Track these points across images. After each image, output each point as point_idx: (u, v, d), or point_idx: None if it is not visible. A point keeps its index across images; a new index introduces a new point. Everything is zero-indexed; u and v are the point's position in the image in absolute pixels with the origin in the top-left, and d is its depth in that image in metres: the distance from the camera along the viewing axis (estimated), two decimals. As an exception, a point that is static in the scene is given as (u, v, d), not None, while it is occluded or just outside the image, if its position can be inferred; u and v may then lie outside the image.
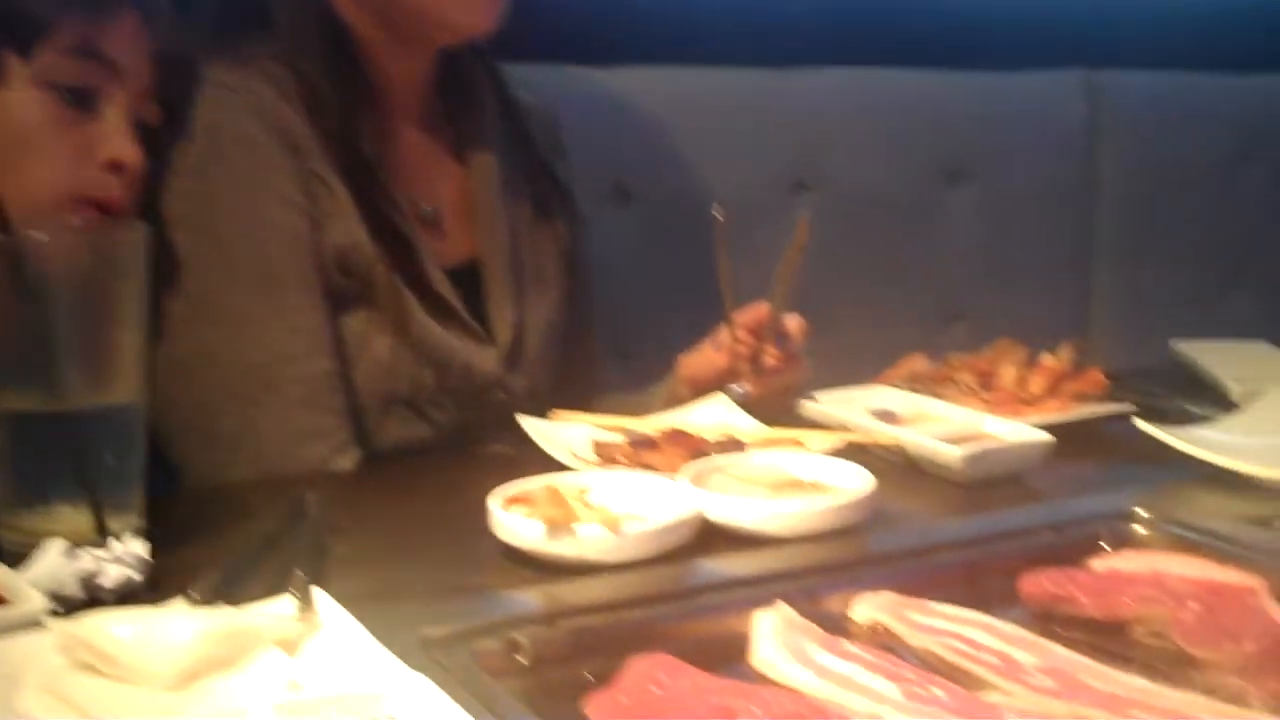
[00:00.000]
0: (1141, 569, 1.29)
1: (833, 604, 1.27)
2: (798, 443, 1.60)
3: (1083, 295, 2.92)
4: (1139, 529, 1.43)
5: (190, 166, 1.62)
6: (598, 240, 2.11)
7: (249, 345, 1.62)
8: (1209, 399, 1.91)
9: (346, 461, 1.66)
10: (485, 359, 1.77)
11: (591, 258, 2.04)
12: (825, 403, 1.77)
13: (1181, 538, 1.39)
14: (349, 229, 1.66)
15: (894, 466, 1.62)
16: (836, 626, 1.22)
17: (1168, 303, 2.90)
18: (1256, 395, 1.79)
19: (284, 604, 1.10)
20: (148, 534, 1.28)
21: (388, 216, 1.69)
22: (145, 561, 1.21)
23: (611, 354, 2.18)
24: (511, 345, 1.81)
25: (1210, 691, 1.10)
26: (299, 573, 1.14)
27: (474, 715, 0.90)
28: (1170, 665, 1.17)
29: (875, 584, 1.29)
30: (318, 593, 1.13)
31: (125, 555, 1.20)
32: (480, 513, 1.34)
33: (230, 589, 1.15)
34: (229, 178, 1.62)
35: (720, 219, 1.71)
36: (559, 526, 1.26)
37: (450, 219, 1.82)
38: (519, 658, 1.13)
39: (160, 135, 1.59)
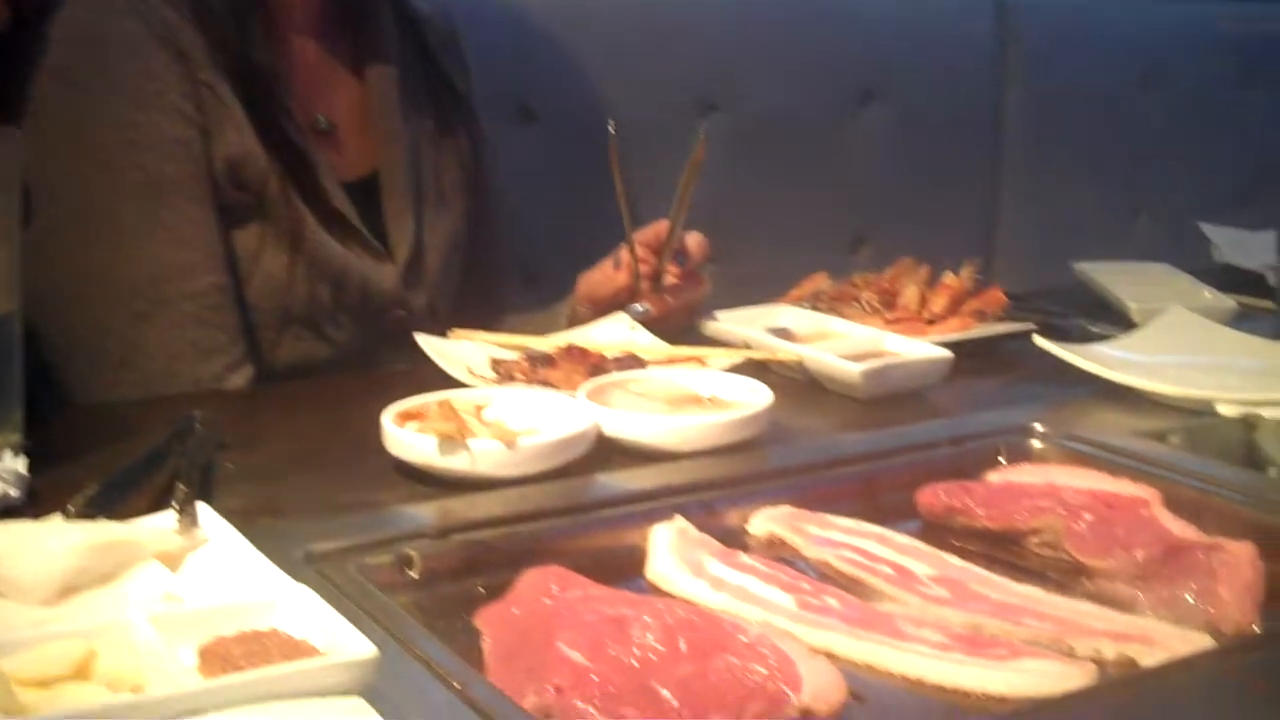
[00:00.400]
0: (1037, 481, 1.29)
1: (730, 518, 1.27)
2: (698, 360, 1.59)
3: (989, 219, 2.93)
4: (1036, 443, 1.43)
5: (65, 72, 1.56)
6: (502, 160, 2.08)
7: (136, 260, 1.57)
8: (1109, 319, 1.92)
9: (240, 379, 1.63)
10: (384, 276, 1.74)
11: (495, 176, 2.01)
12: (727, 321, 1.76)
13: (1078, 451, 1.40)
14: (240, 140, 1.61)
15: (795, 383, 1.62)
16: (734, 540, 1.22)
17: (1073, 226, 2.91)
18: (1155, 314, 1.80)
19: (165, 519, 1.07)
20: (28, 451, 1.24)
21: (281, 127, 1.64)
22: (23, 478, 1.18)
23: (516, 274, 2.15)
24: (410, 262, 1.77)
25: (1101, 599, 1.11)
26: (182, 487, 1.11)
27: (360, 627, 0.88)
28: (1063, 574, 1.17)
29: (773, 498, 1.28)
30: (202, 508, 1.10)
31: (3, 472, 1.17)
32: (375, 431, 1.31)
33: (111, 504, 1.11)
34: (109, 85, 1.57)
35: (613, 134, 1.68)
36: (452, 441, 1.24)
37: (347, 132, 1.78)
38: (410, 572, 1.12)
39: (25, 39, 1.53)
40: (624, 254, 1.76)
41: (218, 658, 0.85)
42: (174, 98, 1.57)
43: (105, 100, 1.56)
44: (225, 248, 1.62)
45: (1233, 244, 2.36)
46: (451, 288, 1.85)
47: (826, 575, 1.17)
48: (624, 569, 1.15)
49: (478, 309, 1.87)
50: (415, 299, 1.78)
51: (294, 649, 0.86)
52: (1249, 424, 1.49)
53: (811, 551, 1.20)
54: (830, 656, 0.97)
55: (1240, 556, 1.10)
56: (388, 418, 1.30)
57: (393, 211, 1.77)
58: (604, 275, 1.80)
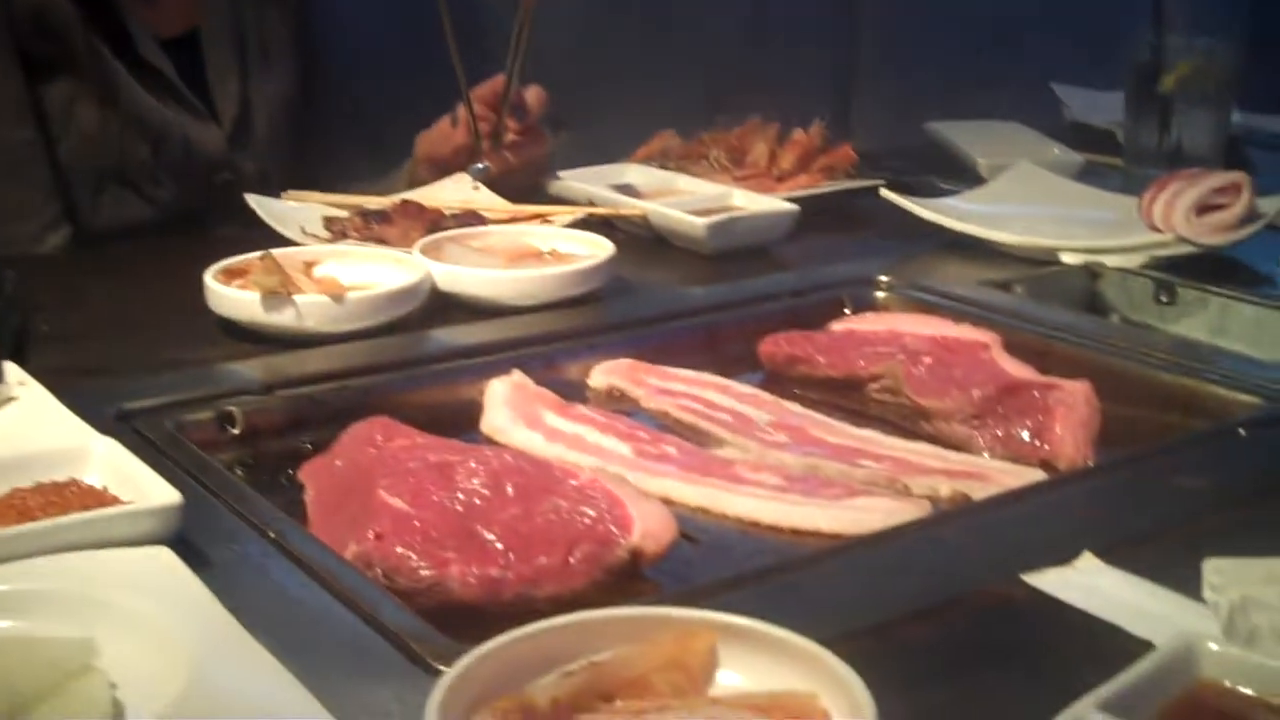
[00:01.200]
0: (879, 329, 1.28)
1: (570, 372, 1.24)
2: (541, 217, 1.55)
3: (844, 83, 2.90)
4: (880, 294, 1.42)
5: None
6: (337, 18, 1.99)
7: None
8: (959, 176, 1.91)
9: (57, 239, 1.56)
10: (208, 137, 1.66)
11: (330, 34, 1.92)
12: (571, 179, 1.72)
13: (921, 301, 1.39)
14: None
15: (640, 240, 1.59)
16: (573, 394, 1.19)
17: (929, 89, 2.89)
18: (1003, 169, 1.79)
19: (-33, 377, 1.02)
20: None
21: None
22: None
23: (353, 139, 2.07)
24: (238, 123, 1.70)
25: (939, 440, 1.10)
26: (-16, 344, 1.05)
27: (174, 483, 0.84)
28: (903, 418, 1.16)
29: (614, 351, 1.26)
30: (9, 367, 1.05)
31: None
32: (200, 292, 1.26)
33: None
34: None
35: None
36: (276, 295, 1.19)
37: None
38: (231, 429, 1.07)
39: None
40: (461, 111, 1.71)
41: (12, 509, 0.80)
42: None
43: None
44: (33, 102, 1.53)
45: (1084, 103, 2.36)
46: (284, 153, 1.78)
47: (666, 425, 1.14)
48: (460, 424, 1.12)
49: (311, 173, 1.80)
50: (244, 163, 1.70)
51: (95, 499, 0.82)
52: (1092, 273, 1.50)
53: (651, 402, 1.18)
54: (666, 502, 0.95)
55: (1076, 394, 1.09)
56: (210, 275, 1.25)
57: (215, 70, 1.69)
58: (441, 134, 1.74)
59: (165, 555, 0.77)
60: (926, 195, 1.72)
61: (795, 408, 1.15)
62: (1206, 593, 0.75)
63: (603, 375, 1.22)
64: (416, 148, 1.78)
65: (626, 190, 1.69)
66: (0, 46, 1.51)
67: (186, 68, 1.65)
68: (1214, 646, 0.64)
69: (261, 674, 0.66)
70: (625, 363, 1.23)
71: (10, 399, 1.01)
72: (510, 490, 0.89)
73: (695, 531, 0.94)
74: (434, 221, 1.46)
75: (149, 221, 1.63)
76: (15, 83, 1.52)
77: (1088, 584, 0.81)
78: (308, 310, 1.20)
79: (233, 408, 1.08)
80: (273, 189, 1.62)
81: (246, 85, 1.71)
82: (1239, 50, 1.88)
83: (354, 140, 1.97)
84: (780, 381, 1.25)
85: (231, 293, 1.22)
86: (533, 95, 1.70)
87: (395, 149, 1.88)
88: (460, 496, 0.88)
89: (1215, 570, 0.75)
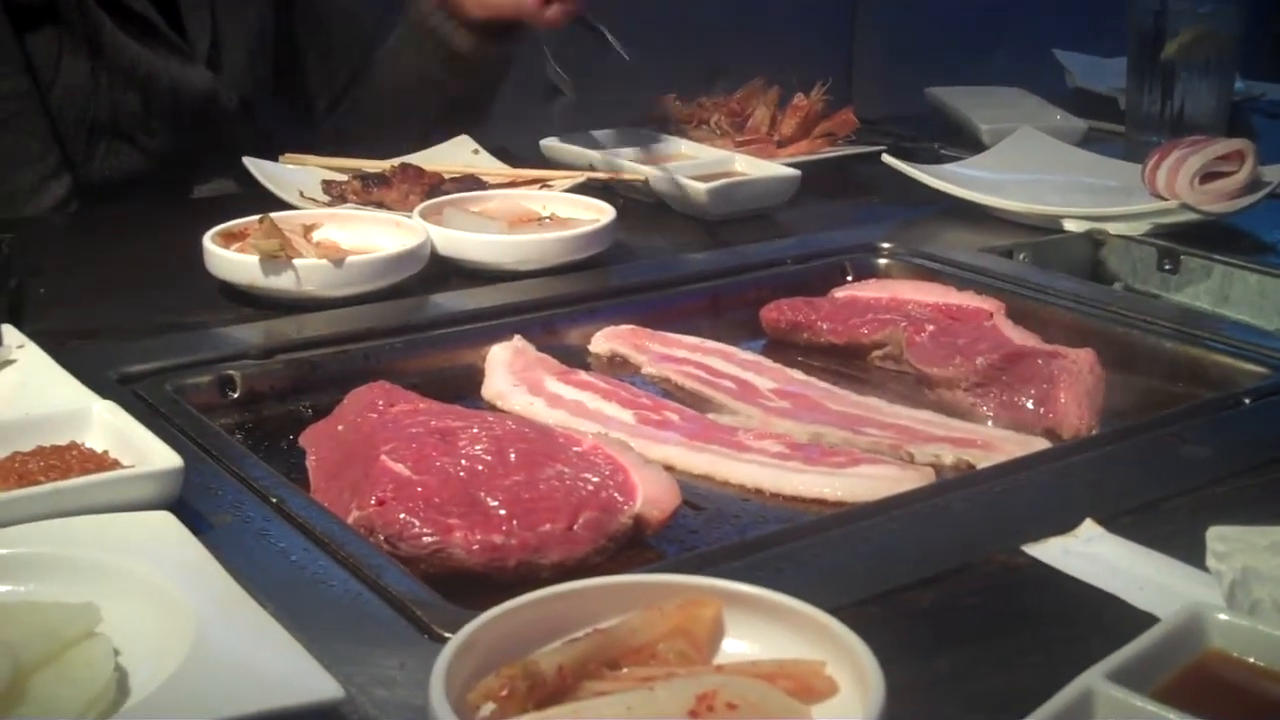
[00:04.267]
0: (881, 295, 1.27)
1: (571, 337, 1.23)
2: (541, 181, 1.54)
3: (846, 48, 2.89)
4: (882, 261, 1.42)
5: None
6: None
7: None
8: (961, 142, 1.90)
9: (59, 188, 1.56)
10: (193, 76, 1.64)
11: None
12: (572, 142, 1.70)
13: (924, 268, 1.38)
14: None
15: (641, 205, 1.58)
16: (575, 359, 1.18)
17: (931, 56, 2.88)
18: (1005, 135, 1.78)
19: (-35, 340, 1.01)
20: None
21: None
22: None
23: (340, 73, 2.02)
24: (211, 53, 1.67)
25: (943, 408, 1.10)
26: (-18, 306, 1.04)
27: (175, 447, 0.83)
28: (906, 386, 1.16)
29: (616, 317, 1.25)
30: (8, 330, 1.04)
31: None
32: (199, 255, 1.25)
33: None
34: None
35: None
36: (276, 259, 1.18)
37: None
38: (231, 393, 1.07)
39: None
40: None
41: (12, 472, 0.80)
42: None
43: None
44: (21, 53, 1.52)
45: (1086, 70, 2.35)
46: (263, 81, 1.75)
47: (668, 392, 1.14)
48: (461, 389, 1.12)
49: (297, 109, 1.78)
50: (224, 95, 1.68)
51: (96, 463, 0.81)
52: (1095, 240, 1.49)
53: (653, 369, 1.17)
54: (669, 469, 0.94)
55: (1080, 363, 1.09)
56: (209, 238, 1.24)
57: (188, 5, 1.66)
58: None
59: (168, 519, 0.77)
60: (928, 161, 1.71)
61: (798, 374, 1.15)
62: (1210, 561, 0.75)
63: (604, 341, 1.22)
64: None
65: (628, 155, 1.68)
66: None
67: (164, 12, 1.63)
68: (1222, 617, 0.64)
69: (265, 640, 0.66)
70: (627, 329, 1.22)
71: (9, 361, 1.00)
72: (513, 456, 0.89)
73: (698, 499, 0.94)
74: (433, 185, 1.45)
75: (144, 171, 1.62)
76: (3, 33, 1.50)
77: (1090, 553, 0.80)
78: (307, 274, 1.19)
79: (233, 371, 1.07)
80: (255, 125, 1.60)
81: (215, 17, 1.68)
82: (1242, 17, 1.87)
83: (339, 75, 1.92)
84: (782, 348, 1.24)
85: (231, 256, 1.21)
86: None
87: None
88: (463, 462, 0.88)
89: (1219, 538, 0.75)
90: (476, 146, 1.66)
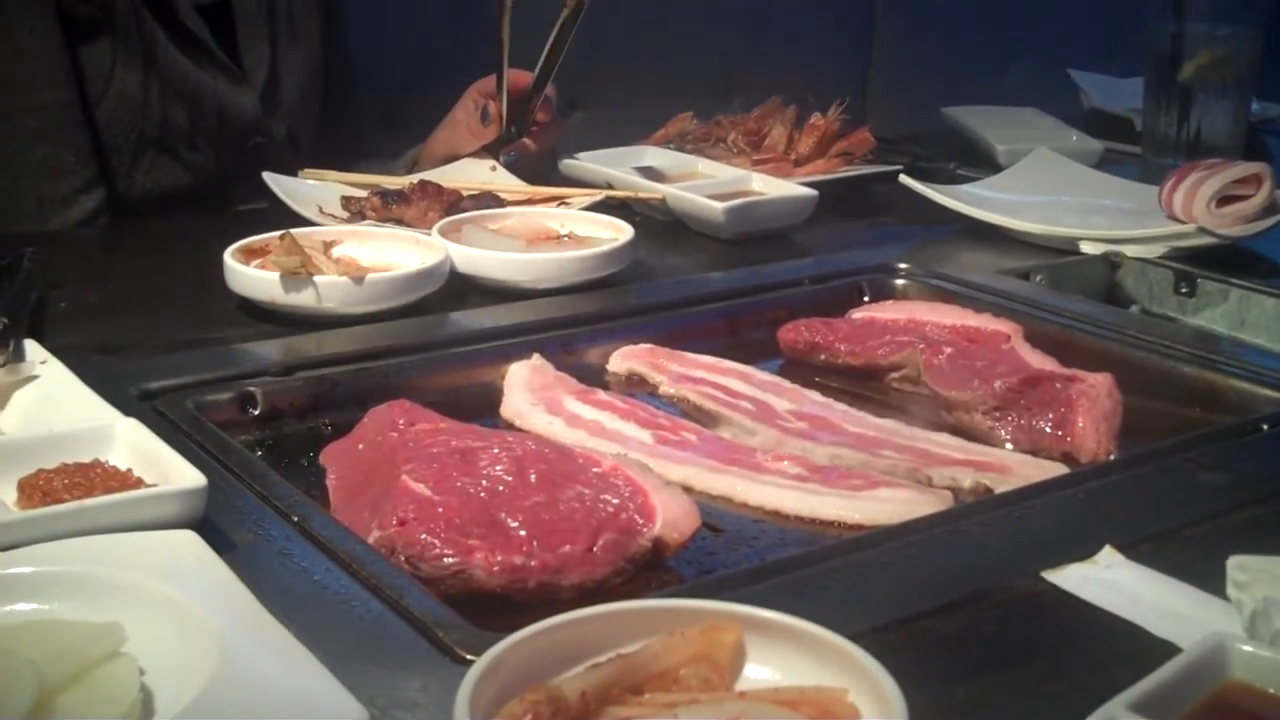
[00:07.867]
0: (898, 317, 1.27)
1: (589, 356, 1.24)
2: (558, 199, 1.54)
3: (861, 67, 2.89)
4: (900, 281, 1.42)
5: None
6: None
7: None
8: (977, 162, 1.90)
9: (90, 203, 1.57)
10: (242, 99, 1.67)
11: (353, 13, 1.92)
12: (589, 161, 1.71)
13: (941, 289, 1.39)
14: None
15: (658, 223, 1.58)
16: (593, 378, 1.19)
17: (946, 75, 2.88)
18: (1021, 156, 1.78)
19: (-12, 355, 1.02)
20: None
21: None
22: None
23: (372, 115, 2.06)
24: (267, 88, 1.70)
25: (960, 431, 1.10)
26: (4, 321, 1.05)
27: (196, 464, 0.84)
28: (924, 409, 1.16)
29: (633, 336, 1.25)
30: (31, 345, 1.05)
31: None
32: (220, 270, 1.26)
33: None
34: None
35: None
36: (296, 276, 1.19)
37: None
38: (251, 410, 1.07)
39: None
40: (494, 108, 1.69)
41: (37, 490, 0.80)
42: None
43: None
44: (73, 64, 1.54)
45: (1102, 90, 2.35)
46: (312, 119, 1.78)
47: (686, 412, 1.14)
48: (479, 408, 1.12)
49: (339, 145, 1.80)
50: (275, 127, 1.71)
51: (119, 481, 0.82)
52: (1112, 262, 1.49)
53: (671, 388, 1.18)
54: (687, 490, 0.94)
55: (1098, 387, 1.09)
56: (230, 254, 1.25)
57: (246, 36, 1.69)
58: (470, 131, 1.71)
59: (192, 539, 0.77)
60: (944, 181, 1.71)
61: (816, 396, 1.15)
62: (1231, 590, 0.75)
63: (622, 360, 1.22)
64: (433, 145, 1.77)
65: (646, 173, 1.68)
66: (41, 8, 1.51)
67: (219, 35, 1.66)
68: (1244, 648, 0.64)
69: (290, 661, 0.66)
70: (645, 348, 1.23)
71: (33, 377, 1.01)
72: (533, 477, 0.89)
73: (716, 520, 0.94)
74: (452, 202, 1.45)
75: (183, 188, 1.64)
76: (55, 44, 1.52)
77: (1110, 580, 0.81)
78: (327, 291, 1.20)
79: (253, 388, 1.08)
80: (301, 155, 1.62)
81: (275, 51, 1.71)
82: (1260, 39, 1.87)
83: (372, 116, 1.97)
84: (800, 368, 1.24)
85: (251, 272, 1.21)
86: (550, 88, 1.70)
87: (409, 129, 1.88)
88: (484, 483, 0.88)
89: (1239, 567, 0.75)
90: (495, 163, 1.67)
